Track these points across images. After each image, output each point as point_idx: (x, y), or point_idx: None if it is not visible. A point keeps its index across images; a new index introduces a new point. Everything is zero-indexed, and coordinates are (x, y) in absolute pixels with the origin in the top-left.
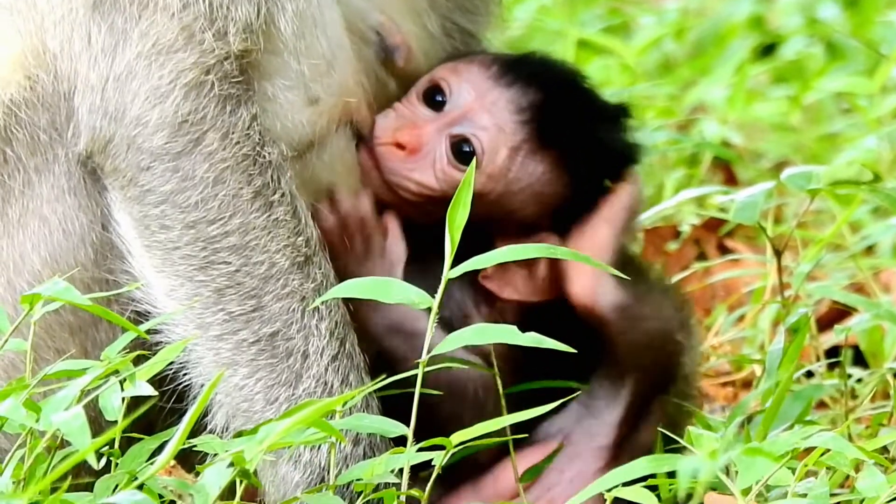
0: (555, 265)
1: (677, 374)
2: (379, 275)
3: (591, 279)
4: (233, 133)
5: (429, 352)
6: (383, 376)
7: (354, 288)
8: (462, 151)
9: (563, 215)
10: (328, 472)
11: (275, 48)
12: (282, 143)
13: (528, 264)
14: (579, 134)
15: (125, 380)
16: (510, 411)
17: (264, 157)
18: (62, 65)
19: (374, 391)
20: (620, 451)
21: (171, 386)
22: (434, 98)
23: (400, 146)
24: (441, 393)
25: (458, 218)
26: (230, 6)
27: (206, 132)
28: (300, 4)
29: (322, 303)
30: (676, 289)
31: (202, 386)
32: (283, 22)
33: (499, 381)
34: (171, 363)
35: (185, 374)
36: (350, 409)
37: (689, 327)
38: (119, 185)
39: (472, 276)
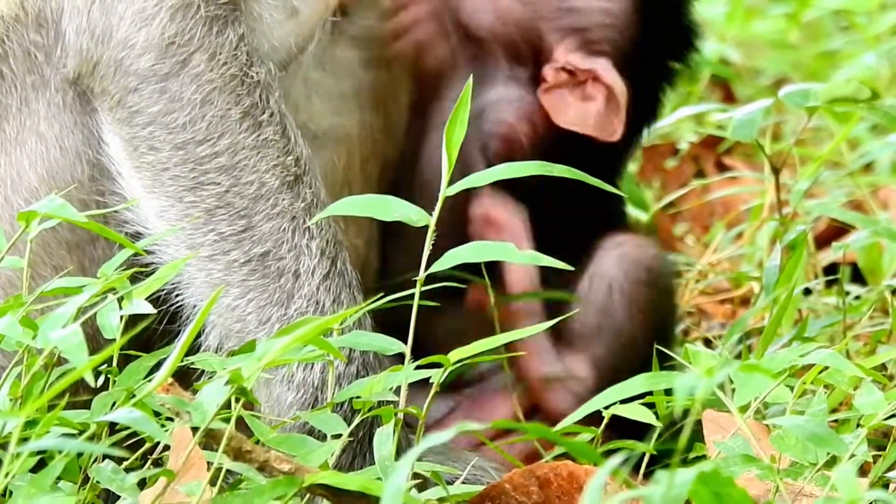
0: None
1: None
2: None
3: None
4: (220, 54)
5: (427, 269)
6: (379, 295)
7: (348, 206)
8: None
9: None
10: (321, 392)
11: None
12: (269, 62)
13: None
14: None
15: (123, 298)
16: None
17: (252, 77)
18: None
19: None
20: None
21: (164, 307)
22: None
23: None
24: (438, 304)
25: (455, 135)
26: None
27: (192, 53)
28: None
29: (313, 222)
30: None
31: (195, 307)
32: None
33: (492, 294)
34: (164, 284)
35: (177, 296)
36: (343, 328)
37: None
38: (108, 106)
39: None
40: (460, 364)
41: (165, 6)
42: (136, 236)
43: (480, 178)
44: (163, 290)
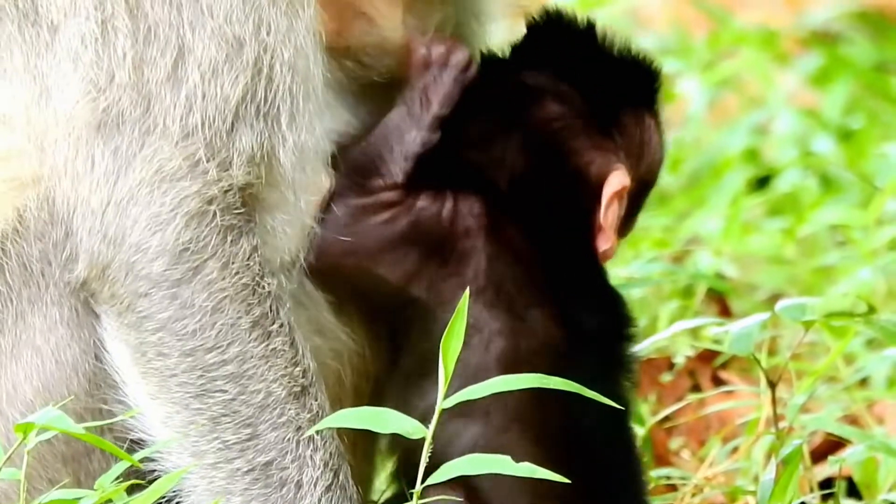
0: None
1: None
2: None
3: None
4: (233, 263)
5: (423, 481)
6: None
7: (346, 418)
8: None
9: None
10: None
11: (275, 181)
12: (281, 274)
13: None
14: None
15: None
16: None
17: (263, 287)
18: (63, 185)
19: None
20: None
21: None
22: None
23: None
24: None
25: (451, 348)
26: (233, 136)
27: (206, 261)
28: (302, 136)
29: (317, 433)
30: None
31: None
32: (284, 154)
33: None
34: (166, 492)
35: (178, 503)
36: None
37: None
38: (116, 311)
39: None
40: None
41: (181, 212)
42: (139, 443)
43: (478, 390)
44: (164, 497)
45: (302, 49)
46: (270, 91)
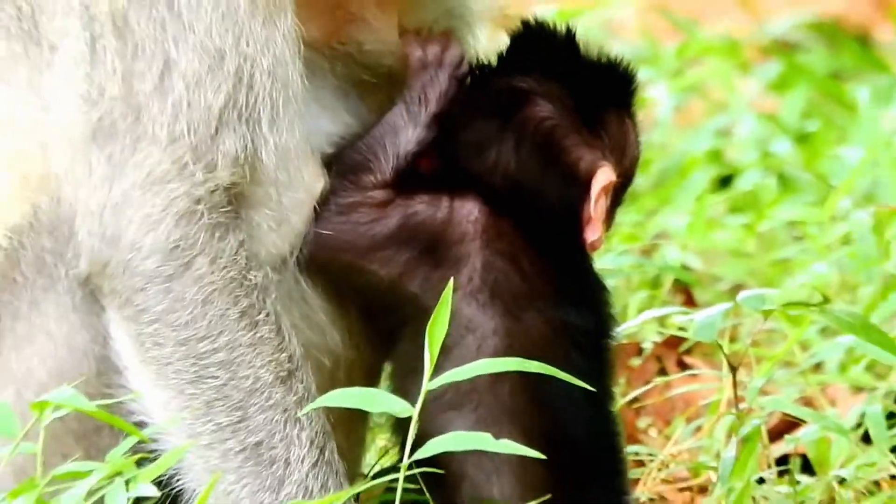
0: None
1: None
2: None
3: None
4: (221, 258)
5: (410, 455)
6: (365, 480)
7: (337, 398)
8: None
9: None
10: None
11: (258, 180)
12: (267, 266)
13: None
14: None
15: (129, 481)
16: None
17: (250, 279)
18: (66, 189)
19: (356, 495)
20: None
21: (165, 491)
22: None
23: None
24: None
25: (437, 332)
26: (217, 140)
27: (195, 257)
28: (283, 138)
29: (303, 413)
30: None
31: (194, 491)
32: (266, 155)
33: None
34: (165, 470)
35: (177, 480)
36: None
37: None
38: (116, 305)
39: None
40: None
41: (171, 212)
42: (141, 426)
43: (463, 372)
44: (165, 475)
45: (281, 57)
46: (251, 97)
